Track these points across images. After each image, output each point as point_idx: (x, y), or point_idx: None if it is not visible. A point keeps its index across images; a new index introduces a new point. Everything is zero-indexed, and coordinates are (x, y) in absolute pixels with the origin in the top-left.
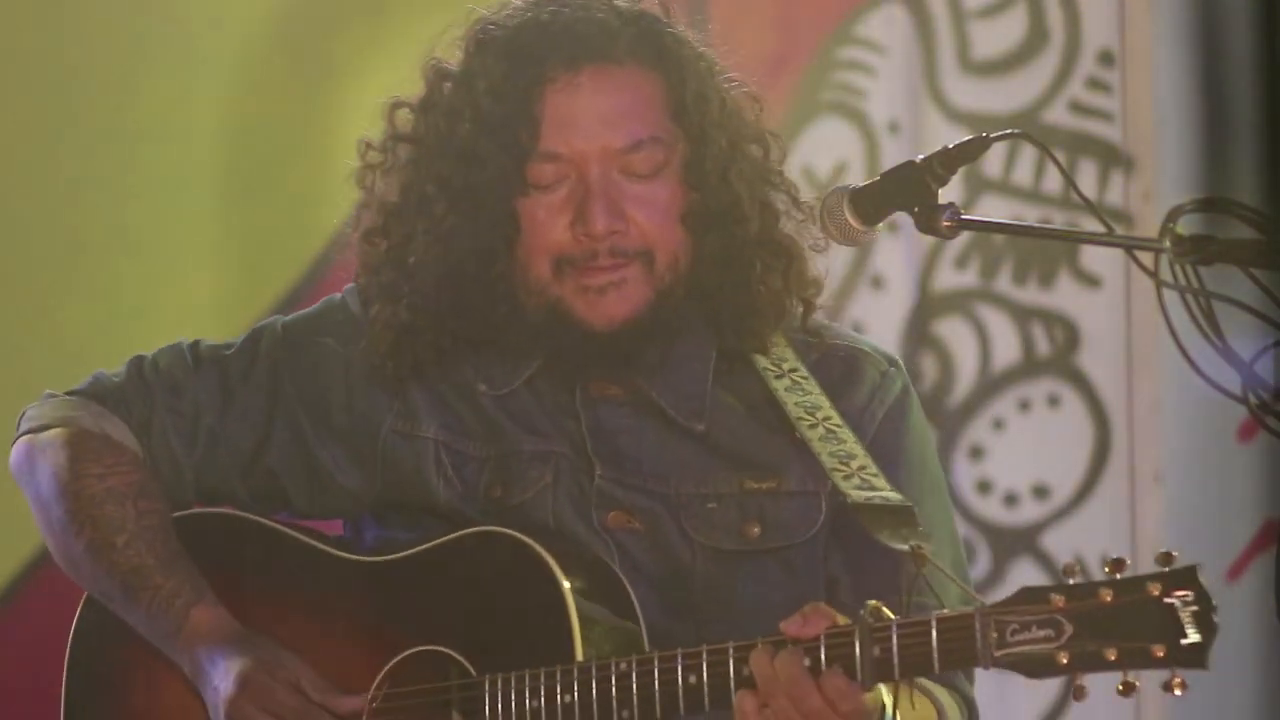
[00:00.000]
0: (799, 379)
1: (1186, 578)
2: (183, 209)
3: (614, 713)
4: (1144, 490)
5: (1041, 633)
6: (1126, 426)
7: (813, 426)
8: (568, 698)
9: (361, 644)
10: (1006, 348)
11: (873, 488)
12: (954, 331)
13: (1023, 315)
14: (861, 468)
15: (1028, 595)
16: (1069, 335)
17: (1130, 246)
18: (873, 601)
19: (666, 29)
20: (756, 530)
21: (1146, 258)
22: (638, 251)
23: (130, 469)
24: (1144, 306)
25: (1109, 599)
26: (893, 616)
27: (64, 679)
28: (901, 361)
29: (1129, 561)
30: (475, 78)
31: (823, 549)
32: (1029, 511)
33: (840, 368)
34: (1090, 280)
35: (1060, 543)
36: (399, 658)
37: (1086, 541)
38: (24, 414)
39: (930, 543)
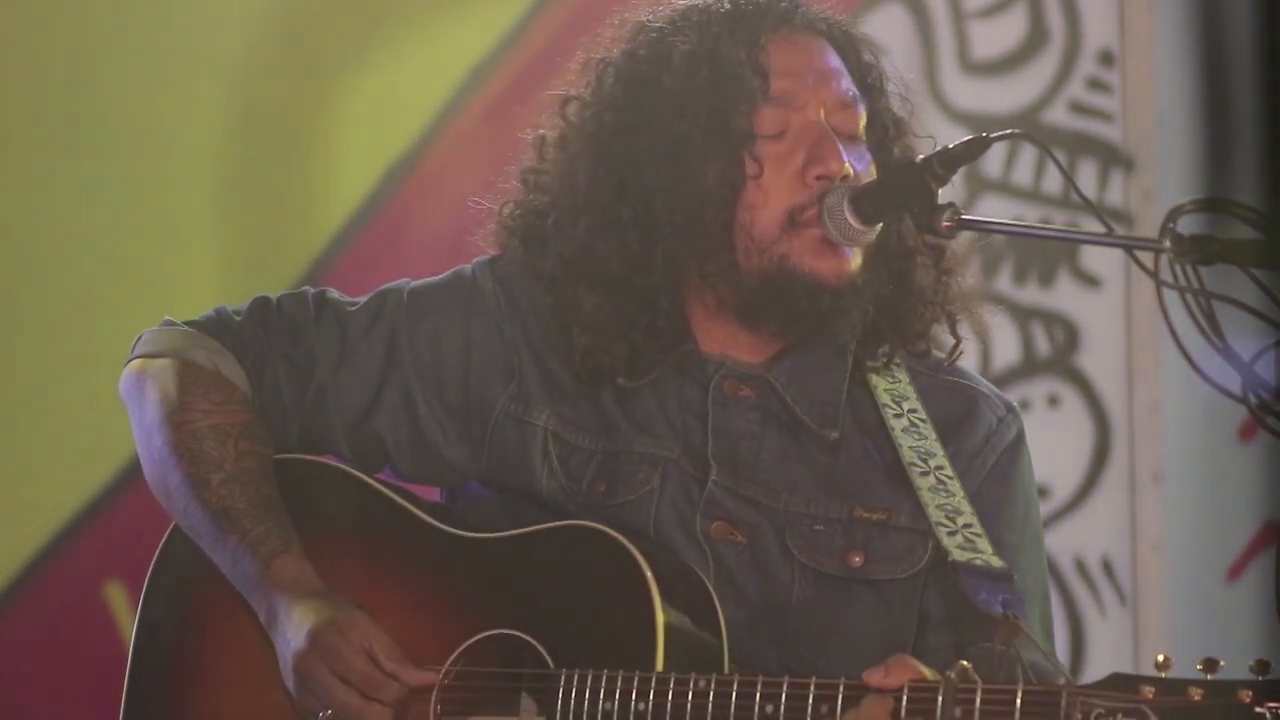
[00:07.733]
0: (916, 420)
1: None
2: (183, 208)
3: None
4: (1144, 490)
5: None
6: (1126, 426)
7: (924, 474)
8: (641, 705)
9: (441, 616)
10: (1006, 348)
11: (975, 549)
12: None
13: (1023, 315)
14: (966, 525)
15: (1117, 681)
16: (1069, 335)
17: (1130, 246)
18: (963, 662)
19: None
20: (859, 559)
21: (1146, 258)
22: None
23: (237, 408)
24: (1144, 306)
25: (1198, 698)
26: (978, 680)
27: (140, 603)
28: (1018, 407)
29: (1222, 664)
30: (687, 32)
31: (920, 587)
32: None
33: (958, 407)
34: (1090, 280)
35: (1060, 542)
36: (477, 637)
37: (1086, 541)
38: (140, 337)
39: (1024, 605)
